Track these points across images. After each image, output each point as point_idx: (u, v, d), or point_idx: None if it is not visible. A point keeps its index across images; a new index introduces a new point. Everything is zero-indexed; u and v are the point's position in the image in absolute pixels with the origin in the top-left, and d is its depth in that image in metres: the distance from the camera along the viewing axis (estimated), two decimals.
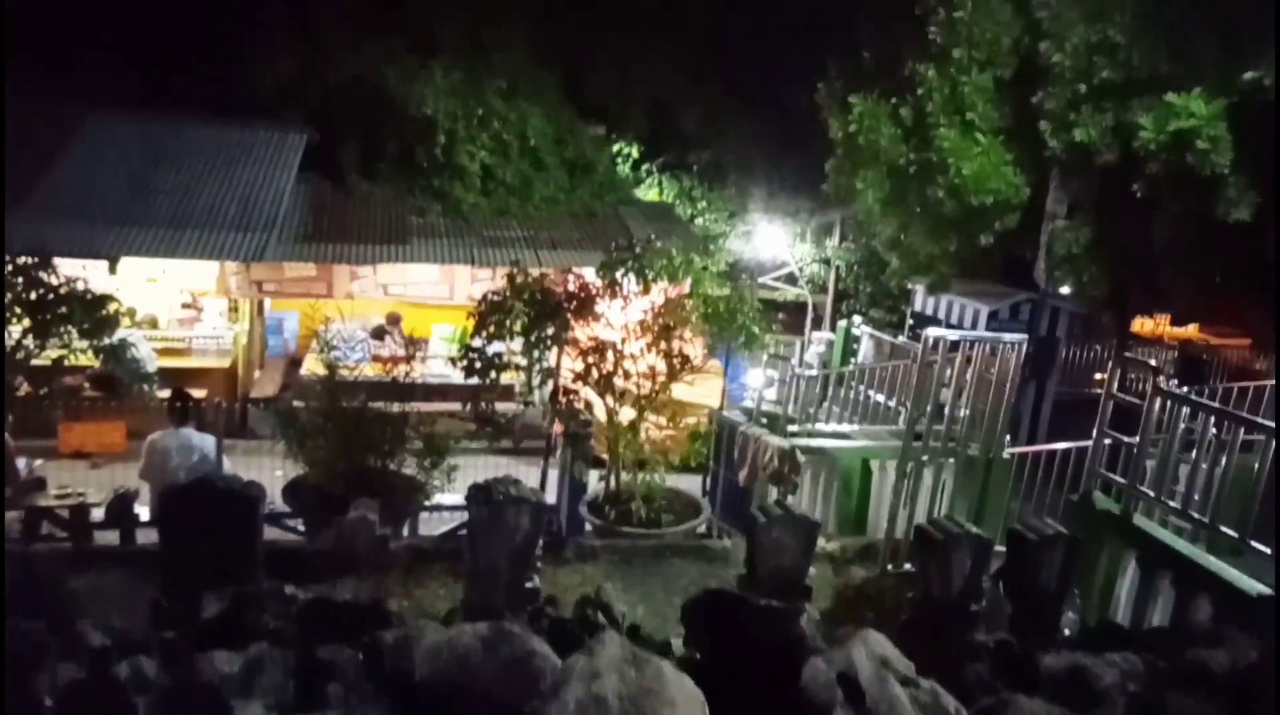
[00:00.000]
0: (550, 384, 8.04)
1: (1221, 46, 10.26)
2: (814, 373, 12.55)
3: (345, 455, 7.14)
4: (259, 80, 13.90)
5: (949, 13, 12.55)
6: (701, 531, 8.10)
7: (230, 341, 12.41)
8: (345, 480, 6.97)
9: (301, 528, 7.27)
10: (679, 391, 7.92)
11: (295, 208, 12.78)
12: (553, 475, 7.94)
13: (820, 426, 9.73)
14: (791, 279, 20.25)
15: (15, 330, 7.00)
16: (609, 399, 7.74)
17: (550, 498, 7.23)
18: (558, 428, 8.00)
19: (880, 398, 10.77)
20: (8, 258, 7.18)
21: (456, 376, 8.07)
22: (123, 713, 2.27)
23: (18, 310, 6.98)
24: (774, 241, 19.81)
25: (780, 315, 13.04)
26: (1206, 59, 10.36)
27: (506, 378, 7.86)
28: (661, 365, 7.62)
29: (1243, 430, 5.83)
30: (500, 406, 8.28)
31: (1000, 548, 5.04)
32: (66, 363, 7.36)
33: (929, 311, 17.09)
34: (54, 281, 7.11)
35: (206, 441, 7.62)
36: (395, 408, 7.37)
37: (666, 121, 19.56)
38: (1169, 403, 6.29)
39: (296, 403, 7.77)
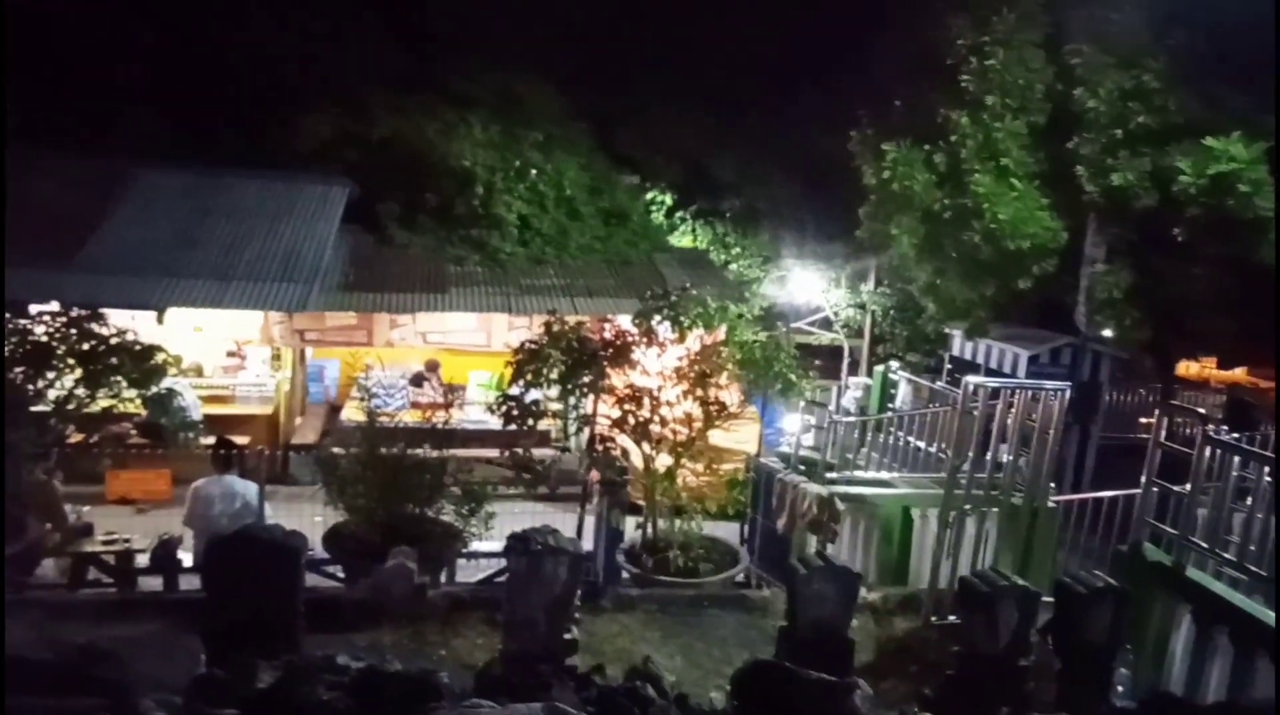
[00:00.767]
0: (586, 431, 8.05)
1: (1256, 91, 10.22)
2: (852, 418, 12.44)
3: (384, 502, 7.20)
4: (303, 137, 14.35)
5: (981, 61, 12.65)
6: (740, 580, 8.00)
7: (273, 389, 12.62)
8: (384, 528, 7.02)
9: (340, 574, 7.31)
10: (715, 437, 7.89)
11: (337, 259, 13.07)
12: (589, 522, 7.92)
13: (859, 473, 9.62)
14: (826, 323, 20.20)
15: (68, 380, 7.20)
16: (646, 446, 7.73)
17: (587, 545, 7.20)
18: (594, 475, 7.99)
19: (920, 444, 10.64)
20: (62, 310, 7.42)
21: (493, 422, 8.12)
22: None
23: (70, 361, 7.18)
24: (808, 286, 19.82)
25: (816, 361, 12.96)
26: (1242, 104, 10.31)
27: (543, 424, 7.89)
28: (698, 412, 7.61)
29: None
30: (536, 452, 8.31)
31: (1047, 600, 4.93)
32: (115, 411, 7.53)
33: (967, 356, 16.92)
34: (105, 332, 7.31)
35: (249, 488, 7.71)
36: (433, 454, 7.43)
37: (699, 169, 19.80)
38: (1219, 451, 6.14)
39: (336, 449, 7.86)
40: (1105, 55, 11.81)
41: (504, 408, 7.60)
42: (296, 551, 4.48)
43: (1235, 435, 6.97)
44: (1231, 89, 10.39)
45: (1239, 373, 18.38)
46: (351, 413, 12.00)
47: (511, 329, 12.96)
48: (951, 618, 6.67)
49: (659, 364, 7.72)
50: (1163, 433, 6.64)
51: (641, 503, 8.10)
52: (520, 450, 8.02)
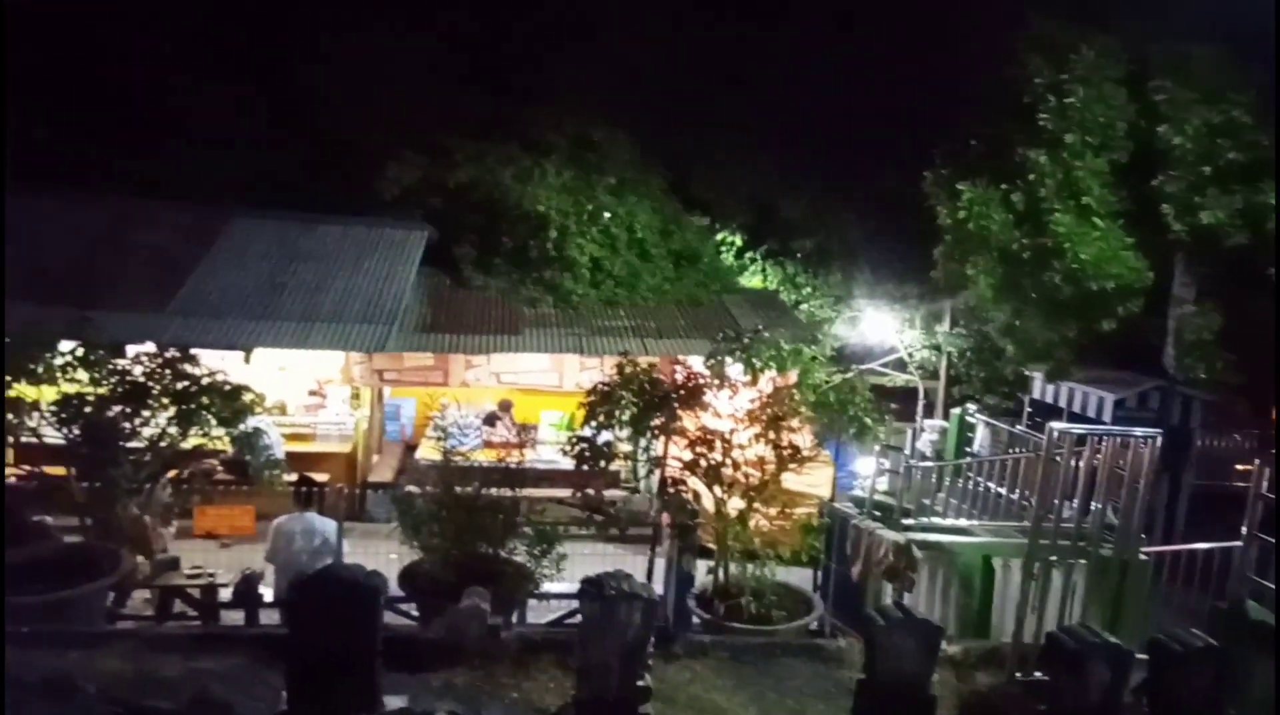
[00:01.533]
0: (657, 473, 8.03)
1: None
2: (928, 463, 12.15)
3: (458, 541, 7.28)
4: (387, 183, 14.88)
5: (1060, 99, 12.43)
6: (814, 629, 7.83)
7: (352, 427, 12.94)
8: (458, 567, 7.09)
9: (415, 613, 7.40)
10: (787, 481, 7.79)
11: (415, 301, 13.46)
12: (659, 565, 7.86)
13: (937, 520, 9.36)
14: (900, 365, 19.84)
15: (161, 418, 7.52)
16: (717, 489, 7.68)
17: (657, 589, 7.15)
18: (665, 518, 7.95)
19: (1000, 490, 10.32)
20: (157, 351, 7.78)
21: (564, 462, 8.18)
22: None
23: (164, 400, 7.51)
24: (881, 327, 19.53)
25: (891, 403, 12.74)
26: None
27: (614, 465, 7.90)
28: (770, 455, 7.53)
29: None
30: (607, 493, 8.32)
31: (1140, 657, 4.70)
32: (203, 448, 7.83)
33: (1049, 399, 16.38)
34: (197, 372, 7.63)
35: (328, 526, 7.90)
36: (506, 494, 7.50)
37: (769, 210, 19.81)
38: None
39: (412, 488, 8.00)
40: (1190, 90, 11.50)
41: (576, 449, 7.65)
42: (377, 592, 4.56)
43: None
44: None
45: None
46: (427, 451, 12.22)
47: (583, 370, 13.09)
48: (1037, 674, 6.40)
49: (731, 406, 7.68)
50: (1264, 483, 6.32)
51: (712, 546, 8.02)
52: (591, 491, 8.05)
